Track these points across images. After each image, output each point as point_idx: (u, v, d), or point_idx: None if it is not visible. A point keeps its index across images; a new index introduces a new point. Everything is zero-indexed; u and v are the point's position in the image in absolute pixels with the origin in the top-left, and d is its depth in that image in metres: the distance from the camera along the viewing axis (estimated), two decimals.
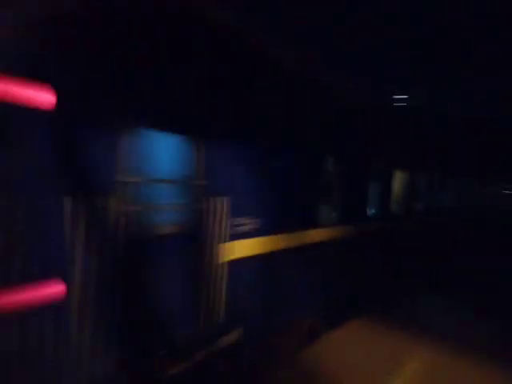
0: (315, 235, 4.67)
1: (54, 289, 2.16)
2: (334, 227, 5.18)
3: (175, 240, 2.96)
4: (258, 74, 3.87)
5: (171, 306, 2.96)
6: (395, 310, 5.67)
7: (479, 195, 15.94)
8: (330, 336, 4.17)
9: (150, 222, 2.88)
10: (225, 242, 3.31)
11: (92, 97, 2.39)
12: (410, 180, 8.07)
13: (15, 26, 2.02)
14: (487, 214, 15.82)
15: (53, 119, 2.13)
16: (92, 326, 2.40)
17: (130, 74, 2.60)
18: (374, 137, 6.56)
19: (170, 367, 2.90)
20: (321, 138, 4.96)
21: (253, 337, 3.62)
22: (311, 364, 3.50)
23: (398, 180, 7.71)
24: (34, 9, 2.14)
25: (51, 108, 2.11)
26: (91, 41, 2.39)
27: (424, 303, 6.06)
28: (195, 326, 3.14)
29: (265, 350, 3.77)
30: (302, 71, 4.79)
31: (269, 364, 3.72)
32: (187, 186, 3.10)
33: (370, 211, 6.51)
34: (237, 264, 3.45)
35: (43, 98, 2.07)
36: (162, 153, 3.05)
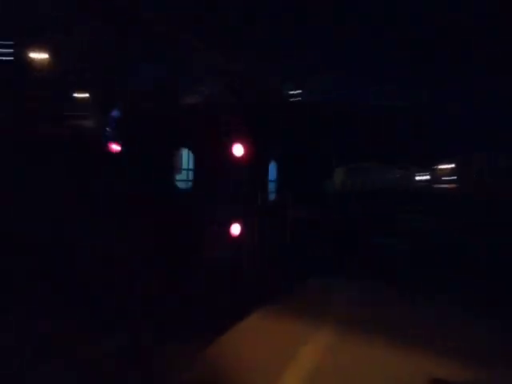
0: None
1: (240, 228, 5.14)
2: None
3: (281, 206, 6.79)
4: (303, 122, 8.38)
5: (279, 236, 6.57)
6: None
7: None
8: (232, 330, 4.02)
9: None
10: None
11: (262, 151, 5.76)
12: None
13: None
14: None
15: (246, 160, 5.21)
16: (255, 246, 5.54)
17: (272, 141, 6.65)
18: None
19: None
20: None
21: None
22: (214, 363, 3.38)
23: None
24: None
25: (244, 156, 5.16)
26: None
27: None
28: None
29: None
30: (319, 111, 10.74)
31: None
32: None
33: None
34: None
35: (243, 152, 5.12)
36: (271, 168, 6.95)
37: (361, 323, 4.36)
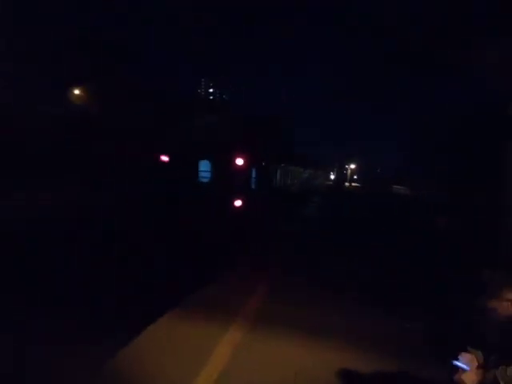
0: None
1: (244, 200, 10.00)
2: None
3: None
4: None
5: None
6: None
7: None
8: (141, 335, 3.86)
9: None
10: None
11: (255, 160, 11.93)
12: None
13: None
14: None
15: (247, 167, 10.67)
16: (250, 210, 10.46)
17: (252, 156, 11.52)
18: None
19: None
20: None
21: None
22: (120, 374, 3.22)
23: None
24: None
25: (245, 163, 10.19)
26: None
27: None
28: None
29: None
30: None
31: None
32: None
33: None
34: None
35: (243, 161, 10.08)
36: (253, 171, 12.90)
37: (271, 319, 4.45)
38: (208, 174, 10.57)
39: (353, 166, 58.40)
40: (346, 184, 52.45)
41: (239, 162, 9.86)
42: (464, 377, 1.91)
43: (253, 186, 11.70)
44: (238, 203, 9.63)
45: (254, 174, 11.85)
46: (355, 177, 61.53)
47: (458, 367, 1.96)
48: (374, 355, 3.65)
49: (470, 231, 8.89)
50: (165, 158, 10.17)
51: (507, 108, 5.48)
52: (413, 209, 18.46)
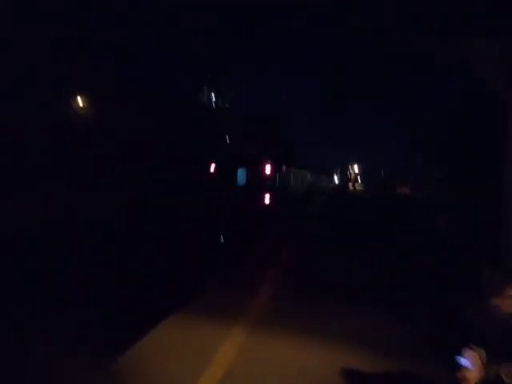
0: None
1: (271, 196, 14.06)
2: None
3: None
4: None
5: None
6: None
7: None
8: (141, 342, 3.74)
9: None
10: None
11: (275, 169, 15.64)
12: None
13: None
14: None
15: (271, 173, 15.05)
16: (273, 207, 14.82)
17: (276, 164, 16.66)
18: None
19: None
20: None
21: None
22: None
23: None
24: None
25: (270, 171, 14.60)
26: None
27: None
28: None
29: None
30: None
31: None
32: None
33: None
34: None
35: (269, 169, 14.44)
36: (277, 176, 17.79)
37: (272, 318, 4.49)
38: (243, 180, 13.78)
39: (356, 170, 58.54)
40: (350, 187, 52.61)
41: (268, 169, 13.91)
42: (467, 374, 1.92)
43: (276, 189, 15.05)
44: (267, 199, 13.46)
45: (276, 179, 15.65)
46: (359, 179, 61.56)
47: (461, 364, 1.97)
48: (374, 355, 3.65)
49: (470, 231, 8.88)
50: (212, 169, 13.07)
51: (507, 107, 5.49)
52: (413, 209, 18.62)
